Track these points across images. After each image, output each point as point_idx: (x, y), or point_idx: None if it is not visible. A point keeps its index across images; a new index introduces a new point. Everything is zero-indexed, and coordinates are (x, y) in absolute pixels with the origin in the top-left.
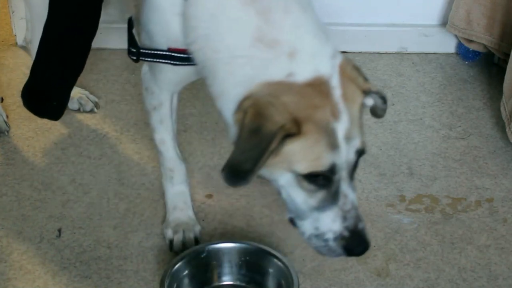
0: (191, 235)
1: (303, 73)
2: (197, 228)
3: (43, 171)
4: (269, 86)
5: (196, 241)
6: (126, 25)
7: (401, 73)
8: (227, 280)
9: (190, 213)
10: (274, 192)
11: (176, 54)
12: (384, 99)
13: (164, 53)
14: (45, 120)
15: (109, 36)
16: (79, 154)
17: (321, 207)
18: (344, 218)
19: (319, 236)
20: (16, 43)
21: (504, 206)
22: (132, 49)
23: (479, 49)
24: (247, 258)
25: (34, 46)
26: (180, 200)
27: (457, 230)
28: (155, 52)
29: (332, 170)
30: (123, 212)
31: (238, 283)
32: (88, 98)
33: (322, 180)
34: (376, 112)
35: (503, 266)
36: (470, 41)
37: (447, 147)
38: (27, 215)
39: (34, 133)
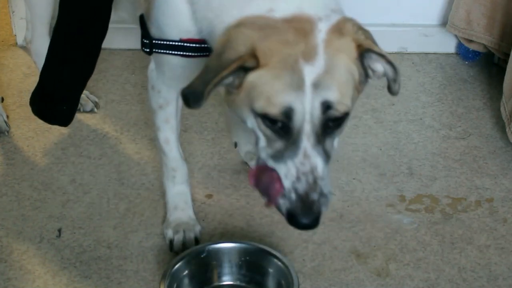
0: (191, 235)
1: (283, 9)
2: (198, 228)
3: (43, 171)
4: (246, 18)
5: (196, 241)
6: (126, 25)
7: (401, 73)
8: (227, 280)
9: (191, 213)
10: None
11: (188, 44)
12: (393, 66)
13: (177, 43)
14: None
15: (109, 37)
16: (79, 154)
17: (277, 157)
18: (297, 179)
19: None
20: (16, 43)
21: (504, 206)
22: (145, 41)
23: (479, 49)
24: (247, 258)
25: (34, 46)
26: (181, 200)
27: (457, 230)
28: (168, 43)
29: (287, 114)
30: (123, 212)
31: (238, 283)
32: (88, 98)
33: (279, 126)
34: (390, 86)
35: (503, 266)
36: (470, 41)
37: (447, 147)
38: (27, 215)
39: (34, 133)
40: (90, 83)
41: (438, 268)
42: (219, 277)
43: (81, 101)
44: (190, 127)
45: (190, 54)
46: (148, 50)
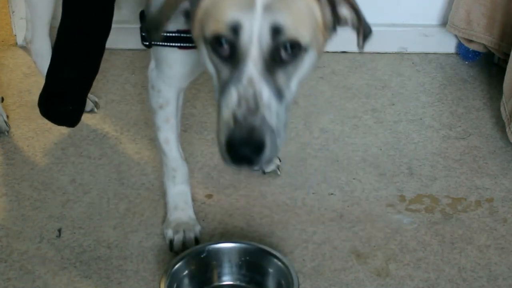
0: (191, 235)
1: None
2: (198, 228)
3: (43, 171)
4: None
5: (196, 241)
6: (126, 26)
7: (401, 73)
8: (227, 280)
9: (191, 213)
10: (274, 192)
11: (185, 35)
12: (356, 12)
13: (174, 34)
14: (45, 120)
15: (110, 37)
16: (79, 154)
17: (223, 89)
18: (238, 105)
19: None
20: (16, 43)
21: (504, 206)
22: (144, 34)
23: (479, 49)
24: (247, 258)
25: (34, 46)
26: (181, 200)
27: (457, 230)
28: (166, 34)
29: (235, 29)
30: (123, 212)
31: (238, 283)
32: (88, 98)
33: (225, 49)
34: (357, 38)
35: (503, 266)
36: (470, 41)
37: (447, 147)
38: (27, 215)
39: (34, 133)
40: None
41: (438, 268)
42: (219, 277)
43: None
44: (190, 127)
45: (187, 45)
46: (147, 43)
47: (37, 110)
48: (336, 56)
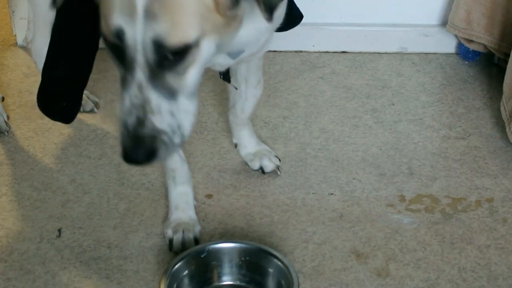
0: (190, 236)
1: None
2: (197, 228)
3: (43, 171)
4: None
5: (196, 241)
6: None
7: (401, 73)
8: (227, 280)
9: (192, 213)
10: (274, 192)
11: None
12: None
13: None
14: (45, 120)
15: None
16: (79, 154)
17: (121, 90)
18: (129, 113)
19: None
20: (16, 43)
21: (504, 206)
22: None
23: (479, 49)
24: (247, 258)
25: (35, 46)
26: (182, 200)
27: (457, 230)
28: None
29: (119, 36)
30: (123, 212)
31: (238, 283)
32: (88, 98)
33: (116, 52)
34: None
35: (503, 266)
36: (470, 41)
37: (447, 147)
38: (27, 215)
39: (34, 133)
40: (90, 83)
41: (438, 268)
42: (219, 277)
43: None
44: None
45: None
46: None
47: (37, 110)
48: (336, 56)
